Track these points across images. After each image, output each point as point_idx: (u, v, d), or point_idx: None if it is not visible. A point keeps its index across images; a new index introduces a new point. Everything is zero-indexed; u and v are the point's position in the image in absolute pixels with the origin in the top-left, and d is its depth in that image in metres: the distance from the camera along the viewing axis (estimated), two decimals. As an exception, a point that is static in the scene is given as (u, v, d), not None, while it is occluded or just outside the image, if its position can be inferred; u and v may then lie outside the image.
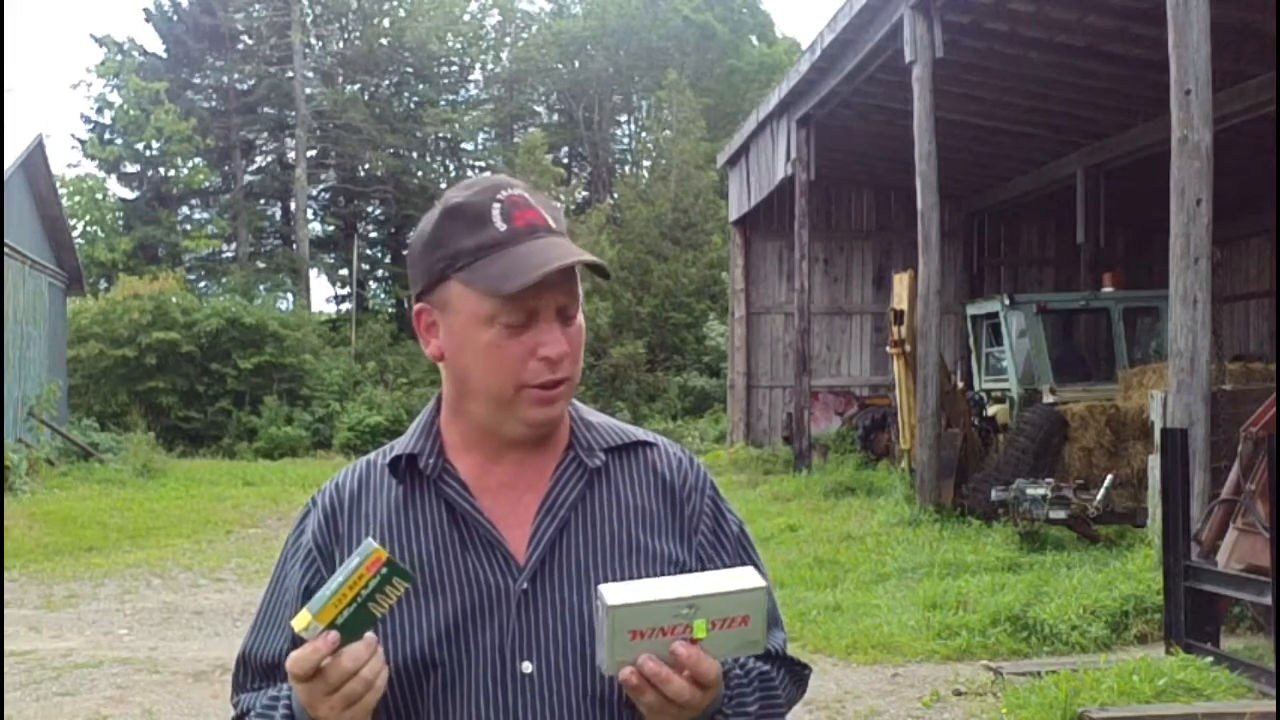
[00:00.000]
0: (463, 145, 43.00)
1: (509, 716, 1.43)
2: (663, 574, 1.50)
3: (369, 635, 1.32)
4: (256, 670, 1.55)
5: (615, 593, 1.33)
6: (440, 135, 41.72)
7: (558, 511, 1.50)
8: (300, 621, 1.31)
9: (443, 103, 41.92)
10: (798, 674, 1.63)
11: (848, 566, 10.17)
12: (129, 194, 36.28)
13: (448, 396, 1.54)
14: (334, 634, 1.30)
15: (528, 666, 1.44)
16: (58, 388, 22.01)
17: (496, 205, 1.44)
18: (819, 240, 21.00)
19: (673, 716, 1.35)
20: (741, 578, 1.37)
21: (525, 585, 1.46)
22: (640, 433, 1.62)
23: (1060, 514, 10.09)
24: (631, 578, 1.48)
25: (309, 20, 39.21)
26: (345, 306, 39.27)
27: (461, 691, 1.44)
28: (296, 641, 1.49)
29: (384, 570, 1.31)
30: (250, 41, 38.75)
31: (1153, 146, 14.54)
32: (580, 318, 1.49)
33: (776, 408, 22.19)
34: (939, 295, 12.64)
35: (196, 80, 39.24)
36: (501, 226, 1.43)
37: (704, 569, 1.54)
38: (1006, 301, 14.85)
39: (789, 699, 1.60)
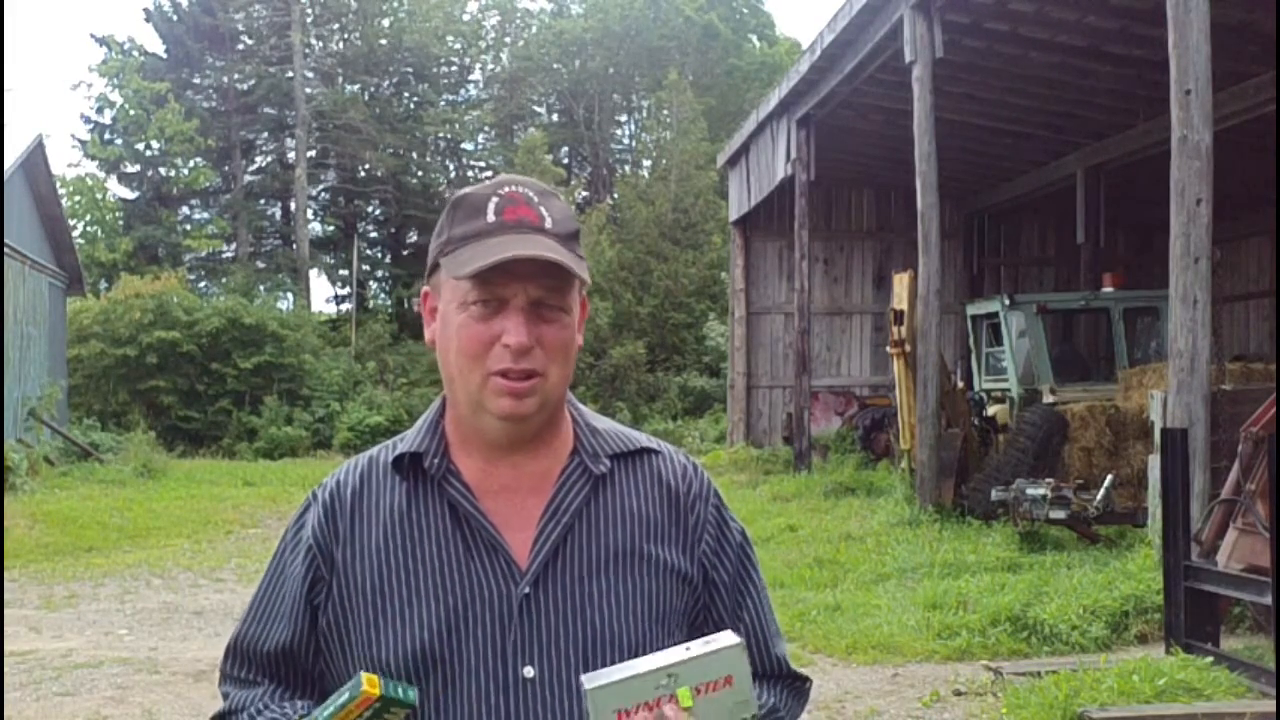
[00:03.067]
0: (463, 145, 43.00)
1: None
2: (665, 581, 1.51)
3: None
4: (250, 658, 1.56)
5: (593, 677, 1.33)
6: (440, 135, 41.72)
7: (561, 517, 1.50)
8: None
9: (443, 103, 41.92)
10: (799, 689, 1.64)
11: (848, 566, 10.17)
12: (129, 194, 36.27)
13: (446, 390, 1.55)
14: None
15: (529, 671, 1.44)
16: (58, 388, 22.00)
17: (494, 199, 1.47)
18: (819, 240, 21.00)
19: None
20: (718, 639, 1.36)
21: (527, 590, 1.46)
22: (646, 439, 1.62)
23: (1060, 514, 10.09)
24: (634, 584, 1.49)
25: (309, 20, 39.20)
26: (345, 306, 39.28)
27: (462, 694, 1.44)
28: (295, 635, 1.51)
29: (376, 705, 1.34)
30: (250, 41, 38.74)
31: (1153, 146, 14.54)
32: (568, 320, 1.48)
33: (776, 408, 22.19)
34: (939, 295, 12.64)
35: (196, 80, 39.22)
36: (491, 219, 1.46)
37: (706, 577, 1.56)
38: (1006, 301, 14.85)
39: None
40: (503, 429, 1.49)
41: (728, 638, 1.35)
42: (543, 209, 1.47)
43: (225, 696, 1.58)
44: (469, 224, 1.46)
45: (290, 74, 37.76)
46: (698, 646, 1.35)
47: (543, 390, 1.47)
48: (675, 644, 1.49)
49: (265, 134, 40.30)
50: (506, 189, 1.48)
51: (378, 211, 41.15)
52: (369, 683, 1.33)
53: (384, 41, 40.68)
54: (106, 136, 35.41)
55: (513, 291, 1.44)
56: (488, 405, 1.46)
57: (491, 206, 1.47)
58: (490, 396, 1.46)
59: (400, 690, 1.37)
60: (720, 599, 1.57)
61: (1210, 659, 6.03)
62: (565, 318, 1.47)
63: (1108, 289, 15.20)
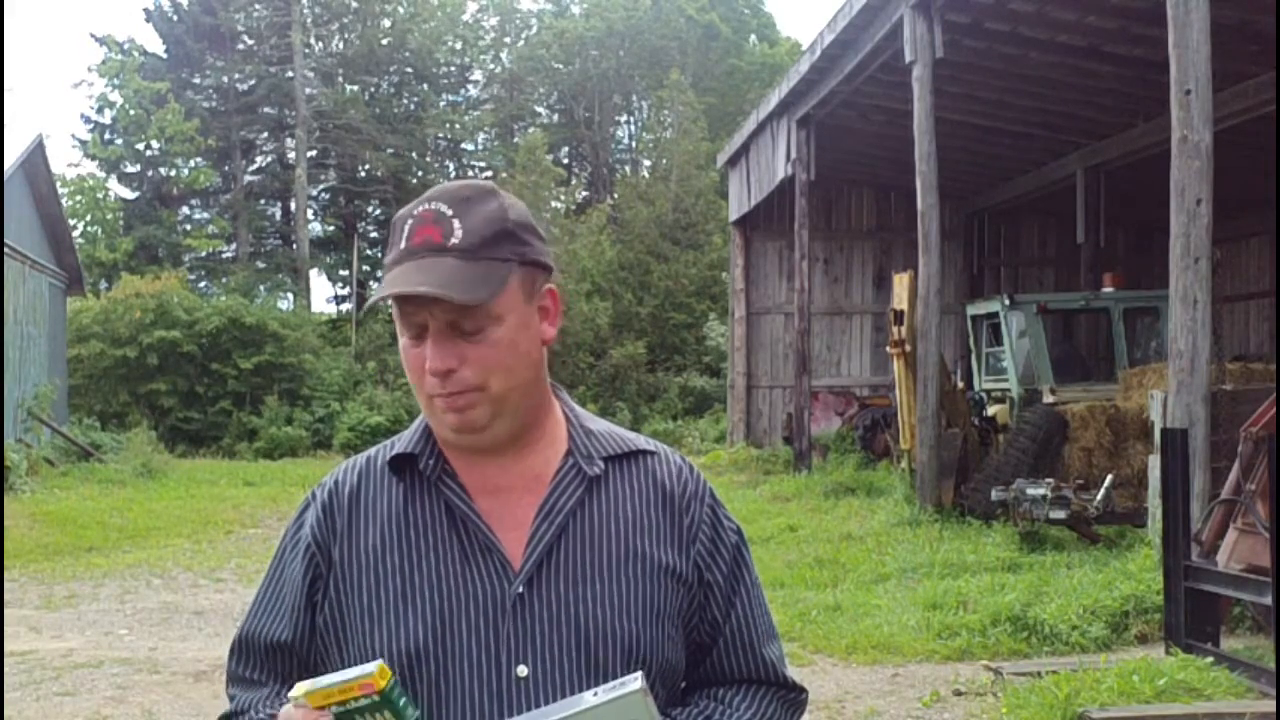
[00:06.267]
0: (463, 145, 43.00)
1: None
2: (659, 582, 1.52)
3: None
4: (255, 652, 1.57)
5: None
6: (440, 136, 41.71)
7: (555, 518, 1.50)
8: (297, 690, 1.35)
9: (443, 103, 41.91)
10: (790, 700, 1.62)
11: (848, 566, 10.17)
12: (129, 194, 36.26)
13: None
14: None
15: (523, 670, 1.44)
16: (53, 387, 21.99)
17: (409, 221, 1.46)
18: (819, 240, 21.01)
19: None
20: (624, 683, 1.36)
21: (520, 589, 1.47)
22: (641, 440, 1.62)
23: (1060, 514, 10.09)
24: (628, 584, 1.50)
25: (309, 20, 39.19)
26: (345, 306, 39.28)
27: (455, 693, 1.44)
28: (297, 635, 1.53)
29: (375, 698, 1.32)
30: (250, 41, 38.74)
31: (1153, 146, 14.54)
32: (497, 332, 1.44)
33: (776, 408, 22.19)
34: (939, 295, 12.64)
35: (197, 80, 39.20)
36: (402, 245, 1.45)
37: (701, 578, 1.56)
38: (1006, 301, 14.85)
39: None
40: (467, 440, 1.50)
41: (632, 682, 1.35)
42: (455, 222, 1.43)
43: (232, 698, 1.60)
44: (393, 249, 1.47)
45: (290, 74, 37.75)
46: (603, 692, 1.35)
47: (487, 400, 1.45)
48: (671, 643, 1.50)
49: (265, 134, 40.29)
50: (422, 207, 1.46)
51: (378, 211, 41.14)
52: (381, 673, 1.32)
53: (384, 42, 40.66)
54: (106, 136, 35.40)
55: (423, 319, 1.43)
56: (441, 421, 1.48)
57: (406, 229, 1.45)
58: (438, 415, 1.48)
59: (404, 703, 1.35)
60: (714, 599, 1.57)
61: (1210, 659, 6.03)
62: (493, 331, 1.44)
63: (1108, 289, 15.20)
